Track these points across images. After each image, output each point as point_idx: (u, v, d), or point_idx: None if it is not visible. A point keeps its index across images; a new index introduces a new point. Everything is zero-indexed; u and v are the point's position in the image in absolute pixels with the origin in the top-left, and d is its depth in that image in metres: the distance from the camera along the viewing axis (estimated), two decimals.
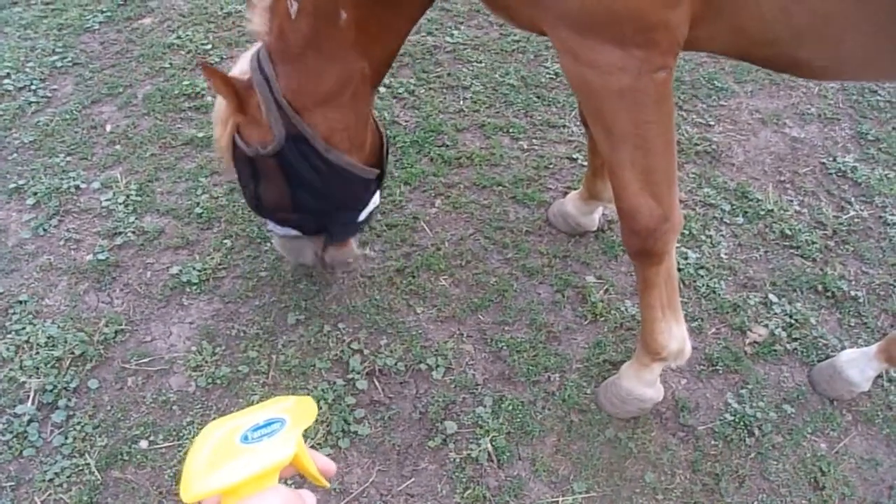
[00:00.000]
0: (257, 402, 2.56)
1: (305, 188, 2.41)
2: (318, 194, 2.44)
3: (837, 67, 1.84)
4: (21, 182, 3.44)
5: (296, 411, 1.05)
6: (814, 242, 3.28)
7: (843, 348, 2.89)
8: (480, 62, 4.18)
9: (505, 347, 2.82)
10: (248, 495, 0.93)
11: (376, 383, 2.73)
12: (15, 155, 3.61)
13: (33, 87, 3.99)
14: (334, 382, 2.70)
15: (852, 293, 3.10)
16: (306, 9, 2.05)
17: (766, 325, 2.96)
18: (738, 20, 1.72)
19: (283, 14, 2.08)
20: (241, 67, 2.30)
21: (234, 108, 2.28)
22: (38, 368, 2.74)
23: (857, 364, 2.67)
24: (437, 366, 2.76)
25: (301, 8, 2.05)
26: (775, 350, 2.89)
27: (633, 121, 1.91)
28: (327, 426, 2.58)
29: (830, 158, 3.74)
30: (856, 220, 3.41)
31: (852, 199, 3.51)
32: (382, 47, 2.30)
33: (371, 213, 2.67)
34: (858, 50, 1.72)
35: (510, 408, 2.65)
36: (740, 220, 3.36)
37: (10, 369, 2.74)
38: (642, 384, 2.54)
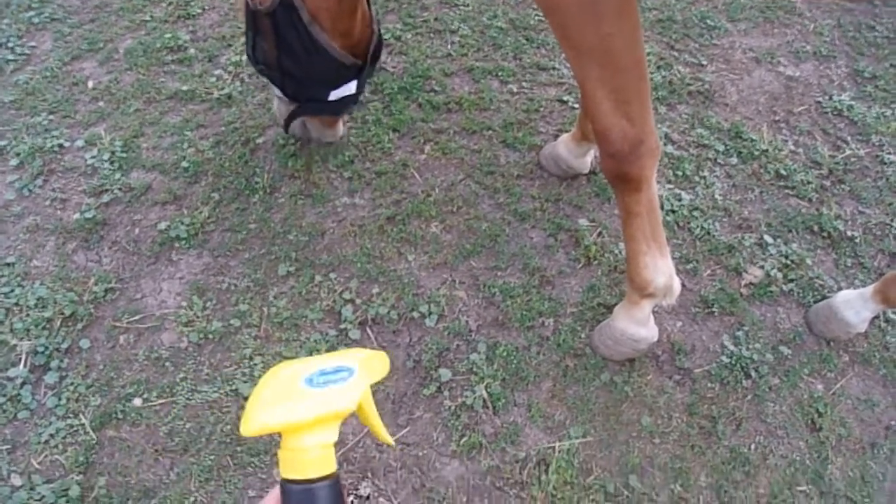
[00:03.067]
0: (249, 356, 2.55)
1: (287, 52, 2.64)
2: (297, 61, 2.67)
3: None
4: (3, 143, 3.39)
5: (367, 364, 1.06)
6: (809, 182, 3.25)
7: (840, 289, 2.88)
8: (467, 5, 4.11)
9: (498, 293, 2.80)
10: (308, 436, 0.95)
11: (369, 332, 2.71)
12: None
13: (10, 45, 3.91)
14: (327, 333, 2.68)
15: (848, 233, 3.08)
16: None
17: (762, 267, 2.94)
18: None
19: None
20: None
21: None
22: (28, 330, 2.71)
23: (854, 305, 2.66)
24: (430, 313, 2.74)
25: None
26: (771, 291, 2.87)
27: (597, 34, 1.90)
28: None
29: (826, 97, 3.70)
30: (852, 159, 3.38)
31: (848, 138, 3.48)
32: None
33: (345, 101, 2.86)
34: None
35: (504, 354, 2.64)
36: (734, 160, 3.33)
37: (1, 332, 2.72)
38: (634, 323, 2.52)
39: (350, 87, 2.81)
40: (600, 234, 3.00)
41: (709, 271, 2.94)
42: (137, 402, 2.55)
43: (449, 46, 3.84)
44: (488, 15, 4.04)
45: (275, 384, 1.00)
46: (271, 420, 0.95)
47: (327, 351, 2.62)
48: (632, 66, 1.98)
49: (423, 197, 3.11)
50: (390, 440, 1.11)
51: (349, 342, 2.65)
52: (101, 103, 3.58)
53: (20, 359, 2.65)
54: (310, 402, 0.96)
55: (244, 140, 3.36)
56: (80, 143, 3.38)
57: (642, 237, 2.33)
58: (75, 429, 2.48)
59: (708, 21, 4.07)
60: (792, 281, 2.91)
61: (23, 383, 2.59)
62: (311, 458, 0.95)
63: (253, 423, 0.95)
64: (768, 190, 3.23)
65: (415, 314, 2.74)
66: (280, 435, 0.97)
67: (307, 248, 2.95)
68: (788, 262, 2.96)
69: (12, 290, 2.84)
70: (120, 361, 2.65)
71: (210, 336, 2.69)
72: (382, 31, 3.78)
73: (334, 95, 2.81)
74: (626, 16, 1.89)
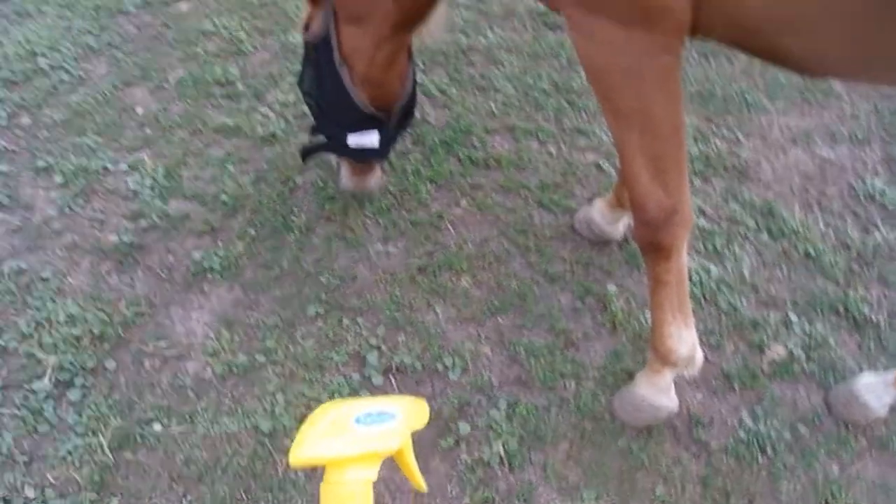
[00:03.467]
0: (272, 392, 2.59)
1: (319, 84, 2.77)
2: (324, 95, 2.79)
3: (820, 61, 1.84)
4: (50, 160, 3.47)
5: (410, 411, 1.11)
6: (837, 264, 3.25)
7: (862, 372, 2.87)
8: (513, 65, 4.17)
9: (522, 351, 2.81)
10: (350, 471, 1.00)
11: (392, 380, 2.73)
12: (46, 133, 3.63)
13: (67, 67, 4.01)
14: (350, 377, 2.70)
15: (874, 317, 3.07)
16: None
17: (785, 345, 2.94)
18: (726, 9, 1.74)
19: None
20: None
21: None
22: (56, 346, 2.76)
23: (875, 389, 2.64)
24: (454, 366, 2.76)
25: None
26: (793, 370, 2.87)
27: (639, 102, 1.95)
28: None
29: (859, 180, 3.70)
30: (881, 243, 3.38)
31: (879, 223, 3.48)
32: None
33: (366, 152, 2.90)
34: (837, 45, 1.73)
35: (524, 412, 2.64)
36: (765, 237, 3.34)
37: (29, 345, 2.76)
38: (656, 391, 2.53)
39: (371, 139, 2.85)
40: (628, 300, 3.01)
41: (732, 346, 2.94)
42: (157, 427, 2.58)
43: (492, 104, 3.89)
44: (533, 76, 4.10)
45: (323, 420, 1.05)
46: (319, 452, 1.01)
47: (349, 395, 2.64)
48: (671, 134, 2.02)
49: (455, 250, 3.14)
50: (424, 486, 1.15)
51: (372, 388, 2.67)
52: (147, 130, 3.66)
53: (45, 373, 2.69)
54: (355, 440, 1.02)
55: (284, 179, 3.42)
56: (123, 166, 3.46)
57: (669, 306, 2.35)
58: (93, 447, 2.50)
59: (747, 97, 4.10)
60: (814, 361, 2.90)
61: (46, 397, 2.63)
62: (351, 492, 0.99)
63: (302, 453, 1.01)
64: (796, 269, 3.23)
65: (439, 366, 2.76)
66: (324, 468, 1.01)
67: (337, 291, 2.98)
68: (812, 341, 2.95)
69: (45, 305, 2.89)
70: (143, 385, 2.69)
71: (234, 369, 2.72)
72: (428, 83, 3.87)
73: (353, 141, 2.85)
74: (668, 83, 1.94)
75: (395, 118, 2.86)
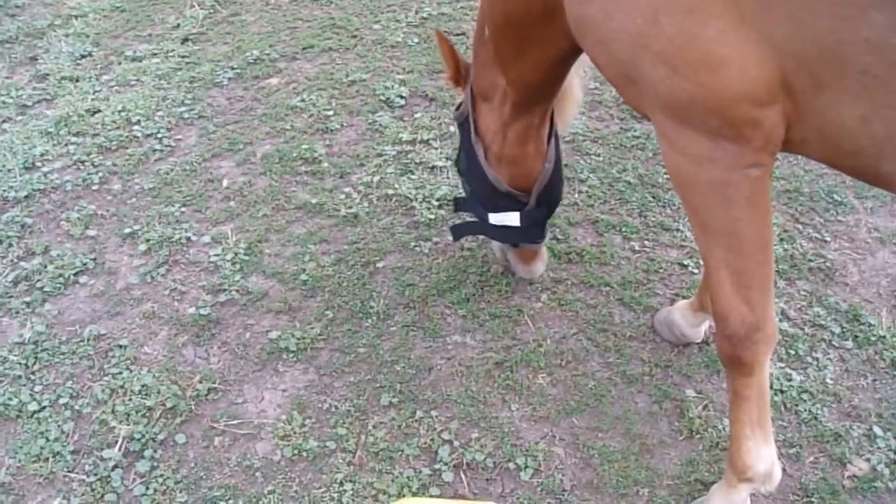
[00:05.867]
0: (340, 481, 2.56)
1: (463, 160, 2.94)
2: (465, 172, 2.96)
3: None
4: (136, 227, 3.55)
5: None
6: None
7: None
8: (598, 155, 4.17)
9: (596, 455, 2.75)
10: None
11: (463, 477, 2.68)
12: (134, 200, 3.73)
13: (159, 136, 4.14)
14: (420, 471, 2.66)
15: None
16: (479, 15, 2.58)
17: (868, 460, 2.83)
18: (823, 127, 1.69)
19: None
20: None
21: (450, 75, 2.84)
22: (129, 415, 2.79)
23: None
24: (526, 466, 2.70)
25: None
26: (875, 487, 2.74)
27: (725, 216, 1.91)
28: None
29: None
30: None
31: None
32: (517, 70, 2.55)
33: (509, 232, 2.98)
34: None
35: None
36: (850, 344, 3.24)
37: (103, 412, 2.80)
38: None
39: (512, 219, 2.90)
40: (706, 406, 2.94)
41: (812, 458, 2.83)
42: None
43: (576, 195, 3.88)
44: (618, 168, 4.08)
45: None
46: None
47: (419, 489, 2.60)
48: (757, 251, 1.98)
49: (533, 346, 3.10)
50: None
51: (442, 484, 2.63)
52: (232, 203, 3.73)
53: (116, 441, 2.72)
54: None
55: (364, 262, 3.44)
56: (206, 238, 3.52)
57: (748, 421, 2.28)
58: None
59: (835, 196, 4.02)
60: None
61: (115, 466, 2.65)
62: None
63: None
64: (882, 378, 3.12)
65: (511, 465, 2.70)
66: None
67: (412, 382, 2.96)
68: None
69: (120, 373, 2.94)
70: (212, 463, 2.69)
71: (304, 454, 2.70)
72: None
73: (494, 219, 2.92)
74: (756, 203, 1.90)
75: (535, 198, 2.89)
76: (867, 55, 1.47)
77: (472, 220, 3.09)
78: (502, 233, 3.00)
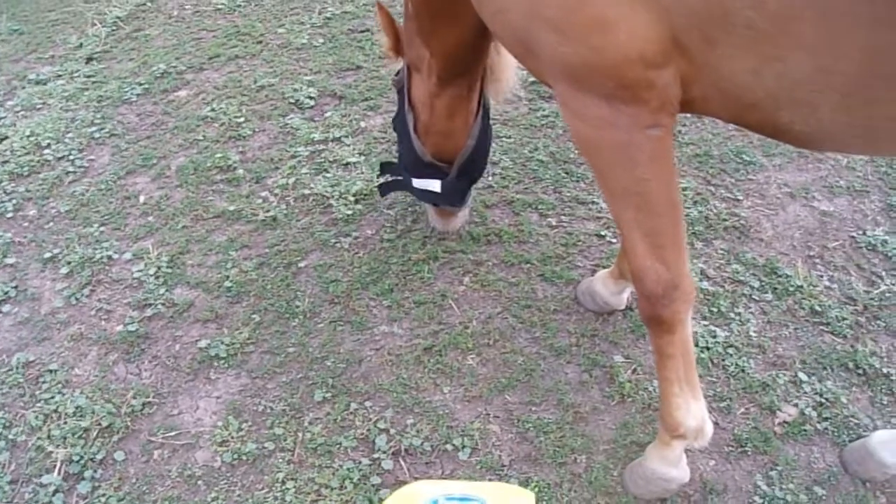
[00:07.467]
0: (281, 480, 2.56)
1: (399, 122, 3.04)
2: (399, 135, 3.08)
3: (820, 135, 1.81)
4: (56, 251, 3.51)
5: (500, 499, 1.07)
6: (844, 319, 3.24)
7: (876, 428, 2.84)
8: (510, 137, 4.22)
9: (532, 428, 2.80)
10: None
11: (402, 463, 2.71)
12: (51, 224, 3.69)
13: (71, 157, 4.09)
14: (360, 461, 2.69)
15: (885, 370, 3.04)
16: None
17: (796, 405, 2.92)
18: (719, 83, 1.73)
19: None
20: None
21: (389, 45, 2.92)
22: (65, 438, 2.77)
23: (890, 445, 2.61)
24: (464, 446, 2.74)
25: None
26: (805, 430, 2.84)
27: (631, 177, 1.95)
28: None
29: (860, 232, 3.70)
30: (887, 294, 3.37)
31: (883, 274, 3.47)
32: (438, 43, 2.64)
33: (428, 195, 3.13)
34: (837, 118, 1.70)
35: (536, 489, 2.62)
36: (769, 296, 3.34)
37: (38, 438, 2.78)
38: (665, 464, 2.50)
39: (434, 186, 3.04)
40: (635, 370, 3.01)
41: (742, 409, 2.92)
42: None
43: (490, 178, 3.92)
44: (530, 147, 4.14)
45: (401, 501, 1.03)
46: None
47: (360, 480, 2.63)
48: (667, 210, 2.01)
49: (460, 329, 3.15)
50: None
51: (381, 472, 2.66)
52: (150, 218, 3.70)
53: (55, 466, 2.70)
54: None
55: (287, 263, 3.45)
56: (128, 255, 3.50)
57: (675, 379, 2.33)
58: None
59: (744, 156, 4.13)
60: (827, 420, 2.88)
61: (55, 491, 2.63)
62: None
63: None
64: (803, 327, 3.22)
65: (448, 447, 2.75)
66: None
67: (344, 375, 2.98)
68: (823, 400, 2.93)
69: (53, 397, 2.92)
70: (153, 476, 2.68)
71: (244, 457, 2.71)
72: None
73: (417, 183, 3.06)
74: (660, 161, 1.93)
75: (456, 169, 2.98)
76: (750, 10, 1.50)
77: (398, 178, 3.21)
78: (425, 194, 3.14)
